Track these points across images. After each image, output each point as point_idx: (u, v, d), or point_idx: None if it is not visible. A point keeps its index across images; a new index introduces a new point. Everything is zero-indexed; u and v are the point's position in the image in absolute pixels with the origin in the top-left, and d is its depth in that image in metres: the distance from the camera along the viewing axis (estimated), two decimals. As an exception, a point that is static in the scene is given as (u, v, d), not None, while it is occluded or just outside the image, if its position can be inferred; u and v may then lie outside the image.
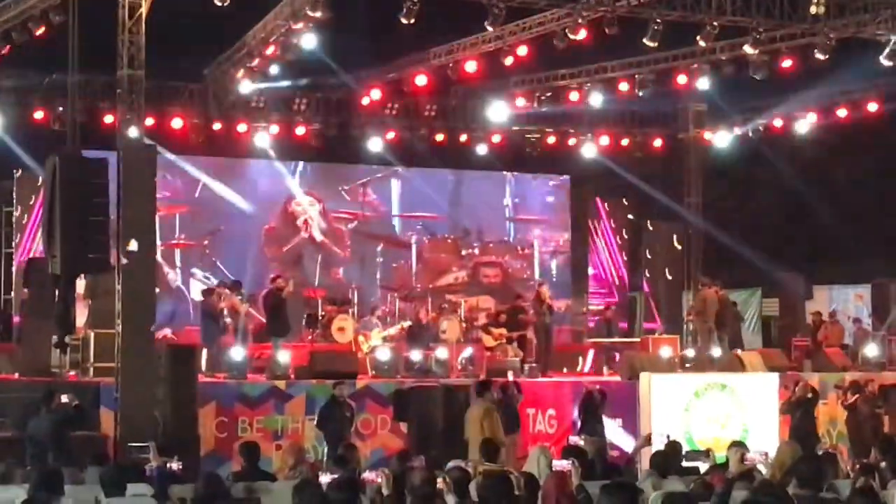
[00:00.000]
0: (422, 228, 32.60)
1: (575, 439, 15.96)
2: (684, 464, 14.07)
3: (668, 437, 14.63)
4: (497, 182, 33.52)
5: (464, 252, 32.92)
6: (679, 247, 32.29)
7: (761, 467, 12.32)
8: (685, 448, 15.31)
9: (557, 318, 27.94)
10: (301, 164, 31.33)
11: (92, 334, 22.06)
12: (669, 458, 12.94)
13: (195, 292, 28.55)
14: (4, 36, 23.36)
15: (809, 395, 21.90)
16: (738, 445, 12.85)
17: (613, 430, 22.42)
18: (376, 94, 28.70)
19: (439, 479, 10.96)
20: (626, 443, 22.29)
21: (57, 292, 22.17)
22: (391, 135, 30.40)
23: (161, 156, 22.65)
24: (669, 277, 32.09)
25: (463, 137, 31.08)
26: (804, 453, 12.94)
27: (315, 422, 20.68)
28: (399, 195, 32.53)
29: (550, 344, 26.40)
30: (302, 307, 26.96)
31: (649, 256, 32.51)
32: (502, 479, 10.61)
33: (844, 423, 23.65)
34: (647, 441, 15.15)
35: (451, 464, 12.64)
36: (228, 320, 24.14)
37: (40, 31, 22.85)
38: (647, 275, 32.17)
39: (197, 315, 26.10)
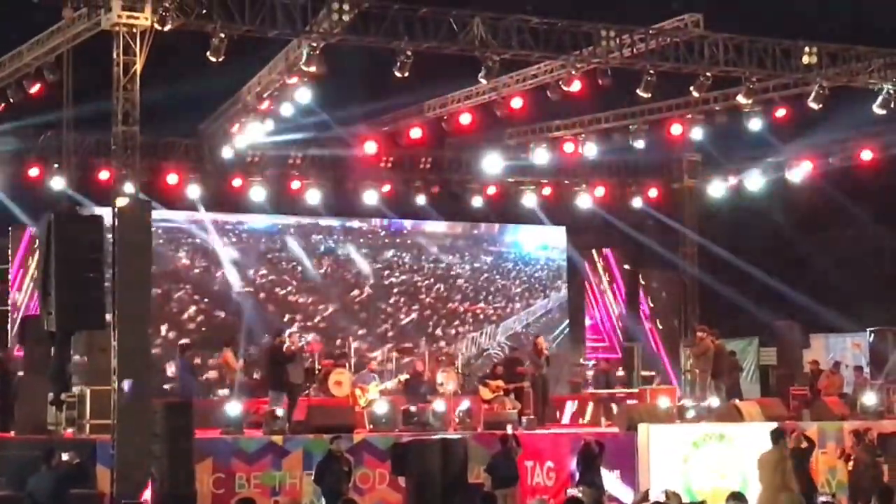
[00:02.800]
0: (419, 280, 32.57)
1: (573, 491, 15.91)
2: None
3: (665, 491, 14.56)
4: (492, 233, 33.54)
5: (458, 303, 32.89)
6: (675, 297, 32.27)
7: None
8: (684, 499, 15.23)
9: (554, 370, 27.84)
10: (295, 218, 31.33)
11: (88, 391, 21.97)
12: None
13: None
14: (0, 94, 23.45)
15: (804, 445, 21.76)
16: (737, 499, 12.78)
17: (612, 482, 22.30)
18: (371, 147, 28.77)
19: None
20: (625, 494, 22.16)
21: (52, 350, 22.13)
22: (386, 187, 30.45)
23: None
24: (663, 328, 32.03)
25: (458, 189, 31.13)
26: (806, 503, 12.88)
27: (313, 477, 20.57)
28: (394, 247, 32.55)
29: (548, 395, 26.32)
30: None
31: (647, 306, 32.47)
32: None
33: (846, 472, 23.52)
34: (645, 497, 15.09)
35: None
36: (213, 374, 24.08)
37: (35, 88, 22.93)
38: (645, 325, 32.10)
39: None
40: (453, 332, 32.35)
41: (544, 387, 26.13)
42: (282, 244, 31.23)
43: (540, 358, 26.18)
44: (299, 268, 31.30)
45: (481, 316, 32.95)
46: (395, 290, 32.35)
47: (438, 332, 32.18)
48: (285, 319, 30.12)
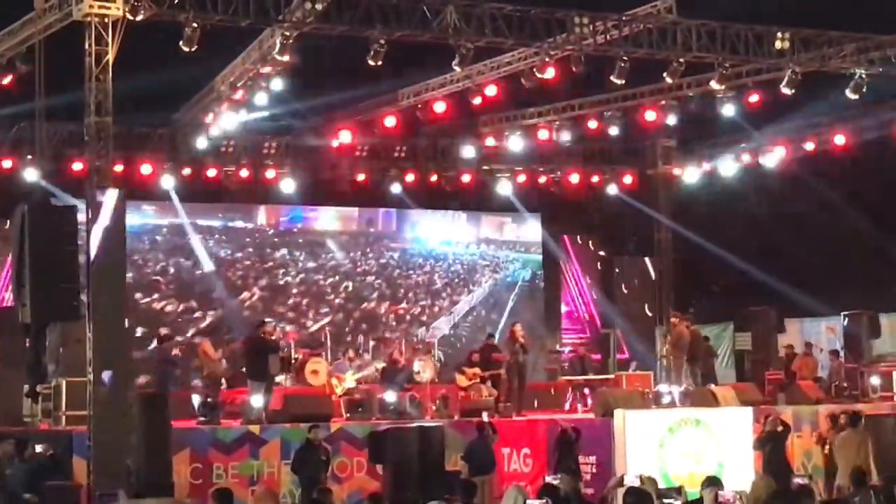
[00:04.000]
0: (392, 268, 32.58)
1: (549, 478, 15.95)
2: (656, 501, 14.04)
3: (640, 476, 14.62)
4: (467, 220, 33.54)
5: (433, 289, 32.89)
6: (650, 283, 32.35)
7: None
8: (661, 484, 15.28)
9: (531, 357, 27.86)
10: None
11: (64, 382, 21.93)
12: (643, 497, 12.89)
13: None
14: (-29, 85, 23.29)
15: (780, 429, 21.87)
16: (713, 483, 12.83)
17: (588, 468, 22.39)
18: (346, 136, 28.74)
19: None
20: (602, 480, 22.24)
21: (27, 341, 22.06)
22: (361, 176, 30.43)
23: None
24: (641, 313, 32.11)
25: (433, 177, 31.13)
26: (778, 487, 12.94)
27: (290, 466, 20.59)
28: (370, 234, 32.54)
29: (524, 383, 26.35)
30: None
31: (622, 292, 32.53)
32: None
33: (822, 455, 23.64)
34: (620, 482, 15.16)
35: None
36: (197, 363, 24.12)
37: (7, 79, 22.80)
38: (620, 311, 32.16)
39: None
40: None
41: (521, 374, 26.16)
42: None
43: (515, 345, 26.21)
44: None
45: (407, 317, 32.71)
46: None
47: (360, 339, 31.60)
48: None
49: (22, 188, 26.11)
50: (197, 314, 29.96)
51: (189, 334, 29.06)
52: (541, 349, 31.25)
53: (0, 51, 22.70)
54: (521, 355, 26.20)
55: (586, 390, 26.82)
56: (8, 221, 27.18)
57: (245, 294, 30.80)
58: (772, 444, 21.63)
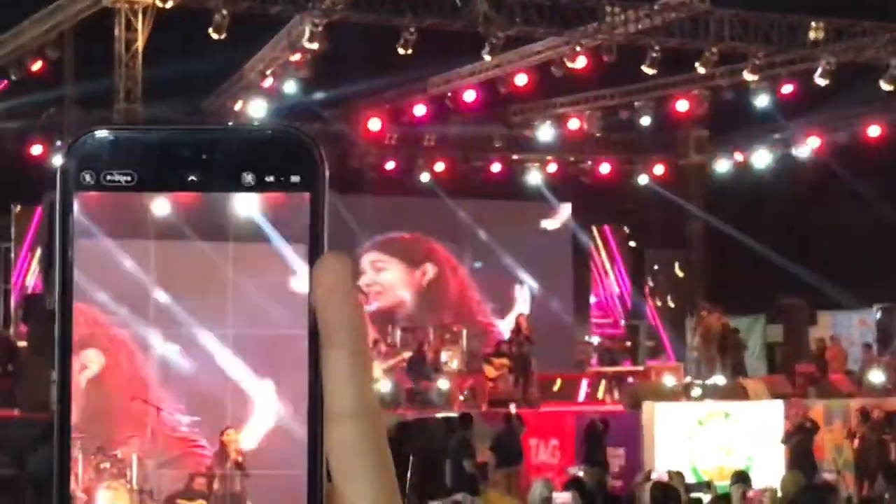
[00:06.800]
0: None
1: (574, 471, 15.85)
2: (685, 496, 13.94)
3: (668, 472, 14.51)
4: (496, 209, 33.40)
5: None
6: (681, 274, 32.19)
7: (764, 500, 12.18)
8: (690, 478, 15.17)
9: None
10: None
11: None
12: (670, 491, 12.80)
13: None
14: (1, 71, 23.35)
15: (808, 426, 21.71)
16: (741, 480, 12.73)
17: (617, 460, 22.26)
18: (375, 124, 28.66)
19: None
20: (630, 473, 22.11)
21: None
22: (391, 164, 30.35)
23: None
24: (672, 305, 31.95)
25: (462, 166, 31.03)
26: (809, 483, 12.81)
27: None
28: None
29: (529, 374, 26.03)
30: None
31: (651, 284, 32.38)
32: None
33: (851, 450, 23.46)
34: (648, 477, 15.05)
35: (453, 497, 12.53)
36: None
37: (37, 66, 22.83)
38: (650, 302, 32.02)
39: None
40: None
41: (525, 365, 25.87)
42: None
43: (519, 336, 25.99)
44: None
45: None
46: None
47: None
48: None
49: (51, 174, 26.13)
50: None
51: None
52: (569, 340, 31.11)
53: (30, 37, 22.74)
54: (526, 346, 25.96)
55: (615, 382, 26.69)
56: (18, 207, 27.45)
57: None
58: (797, 440, 21.49)
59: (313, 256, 0.85)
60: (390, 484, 0.85)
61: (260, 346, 0.87)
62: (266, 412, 0.87)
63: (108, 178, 0.87)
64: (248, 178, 0.86)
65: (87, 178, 0.88)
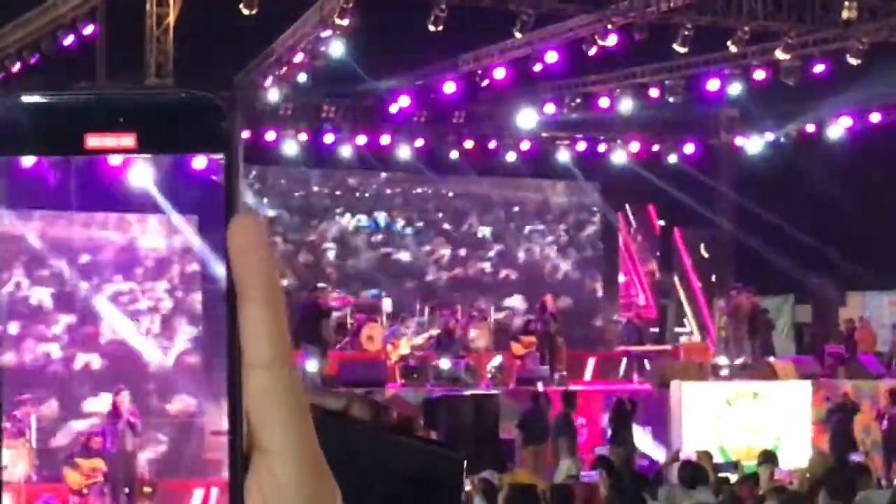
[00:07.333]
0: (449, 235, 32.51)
1: (602, 450, 15.85)
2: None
3: (696, 452, 14.50)
4: (526, 188, 33.38)
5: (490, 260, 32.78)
6: (707, 255, 32.10)
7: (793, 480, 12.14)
8: (717, 458, 15.16)
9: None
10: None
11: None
12: (698, 471, 12.77)
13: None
14: (33, 45, 23.41)
15: (847, 406, 21.66)
16: (768, 460, 12.69)
17: (644, 439, 22.26)
18: (404, 101, 28.63)
19: (468, 482, 10.86)
20: (657, 451, 22.11)
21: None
22: (419, 142, 30.33)
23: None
24: (700, 284, 31.88)
25: (492, 144, 30.97)
26: (837, 463, 12.77)
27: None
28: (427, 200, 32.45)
29: (556, 353, 26.04)
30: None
31: (681, 263, 32.30)
32: (528, 491, 10.49)
33: (880, 431, 23.39)
34: (676, 457, 15.04)
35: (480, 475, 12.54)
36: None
37: (68, 40, 22.88)
38: (679, 282, 31.95)
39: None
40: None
41: (551, 344, 25.88)
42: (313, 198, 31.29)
43: (545, 314, 25.99)
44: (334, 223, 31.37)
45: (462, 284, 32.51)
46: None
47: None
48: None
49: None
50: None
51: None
52: (598, 319, 31.09)
53: (62, 11, 22.78)
54: (553, 325, 25.96)
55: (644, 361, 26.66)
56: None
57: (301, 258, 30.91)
58: (838, 418, 21.44)
59: (228, 217, 0.86)
60: (306, 428, 0.86)
61: (174, 308, 0.88)
62: (167, 371, 0.89)
63: (8, 143, 0.87)
64: (160, 140, 0.86)
65: None
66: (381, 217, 31.87)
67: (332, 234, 31.36)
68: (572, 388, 24.64)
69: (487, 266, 32.74)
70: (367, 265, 31.42)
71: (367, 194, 31.90)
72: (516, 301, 31.60)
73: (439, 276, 32.22)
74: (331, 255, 31.24)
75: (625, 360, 27.52)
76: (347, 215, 31.54)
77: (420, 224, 32.29)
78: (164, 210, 0.87)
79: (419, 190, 32.39)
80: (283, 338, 0.86)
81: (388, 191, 32.12)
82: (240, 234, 0.86)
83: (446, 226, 32.48)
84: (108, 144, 0.85)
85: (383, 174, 31.82)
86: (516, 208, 33.24)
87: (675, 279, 32.03)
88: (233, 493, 0.86)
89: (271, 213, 30.55)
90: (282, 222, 30.81)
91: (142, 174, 0.86)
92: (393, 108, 28.94)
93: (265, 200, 30.54)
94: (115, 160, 0.86)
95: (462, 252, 32.59)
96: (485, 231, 32.88)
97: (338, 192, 31.59)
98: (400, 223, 32.02)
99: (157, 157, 0.86)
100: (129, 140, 0.85)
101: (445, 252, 32.42)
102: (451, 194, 32.50)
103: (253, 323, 0.85)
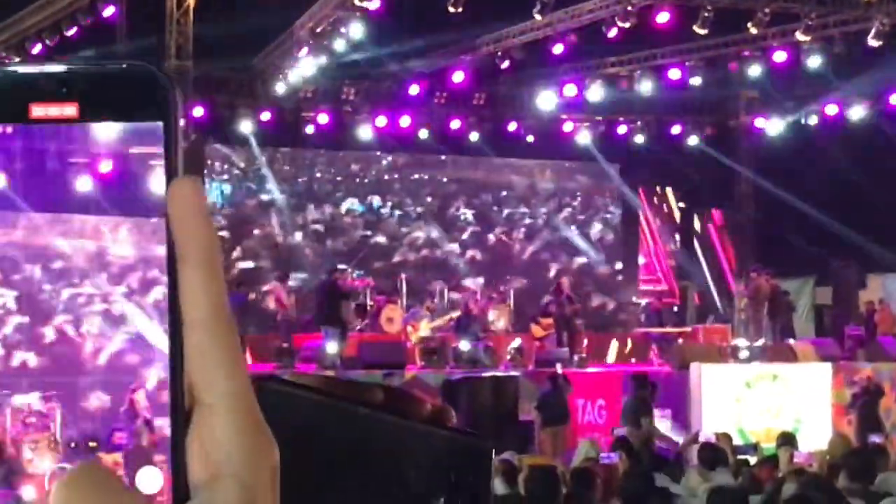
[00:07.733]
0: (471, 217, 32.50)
1: (620, 431, 15.86)
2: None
3: (715, 433, 14.50)
4: (545, 170, 33.35)
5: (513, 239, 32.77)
6: (731, 235, 32.06)
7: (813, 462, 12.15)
8: (737, 440, 15.16)
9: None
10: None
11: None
12: (718, 453, 12.78)
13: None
14: (53, 27, 23.46)
15: (872, 388, 21.63)
16: (787, 442, 12.69)
17: (663, 421, 22.25)
18: (425, 82, 28.63)
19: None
20: (676, 433, 22.10)
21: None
22: (437, 125, 30.34)
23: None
24: (720, 266, 31.86)
25: (511, 126, 30.96)
26: (857, 446, 12.77)
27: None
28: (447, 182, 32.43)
29: (575, 335, 25.99)
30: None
31: (701, 245, 32.28)
32: (548, 473, 10.52)
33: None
34: (695, 438, 15.04)
35: (500, 456, 12.56)
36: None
37: (89, 21, 22.92)
38: (699, 264, 31.93)
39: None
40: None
41: (568, 326, 25.85)
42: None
43: (560, 297, 25.96)
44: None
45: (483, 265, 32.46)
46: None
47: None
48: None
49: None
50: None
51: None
52: (617, 301, 31.08)
53: (82, -7, 22.83)
54: (569, 307, 25.94)
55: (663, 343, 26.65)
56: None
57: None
58: (865, 401, 21.42)
59: (168, 182, 0.89)
60: (243, 382, 0.89)
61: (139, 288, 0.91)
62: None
63: None
64: (101, 109, 0.89)
65: None
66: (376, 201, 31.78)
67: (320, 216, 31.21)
68: (590, 369, 24.69)
69: (516, 246, 32.71)
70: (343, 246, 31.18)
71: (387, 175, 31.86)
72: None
73: (460, 257, 32.21)
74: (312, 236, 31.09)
75: (644, 342, 27.53)
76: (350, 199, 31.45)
77: (424, 207, 32.15)
78: (113, 178, 0.91)
79: (435, 175, 32.32)
80: (220, 296, 0.89)
81: (396, 175, 31.98)
82: (178, 196, 0.88)
83: (464, 209, 32.44)
84: (51, 114, 0.89)
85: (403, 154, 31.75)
86: (536, 189, 33.21)
87: (701, 259, 31.96)
88: (175, 449, 0.90)
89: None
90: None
91: (84, 143, 0.90)
92: (413, 90, 28.93)
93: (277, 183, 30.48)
94: (52, 127, 0.89)
95: (485, 232, 32.57)
96: (505, 212, 32.86)
97: (339, 179, 31.43)
98: (417, 208, 31.98)
99: (98, 124, 0.90)
100: (71, 109, 0.89)
101: (468, 232, 32.40)
102: (468, 176, 32.47)
103: (191, 282, 0.88)
